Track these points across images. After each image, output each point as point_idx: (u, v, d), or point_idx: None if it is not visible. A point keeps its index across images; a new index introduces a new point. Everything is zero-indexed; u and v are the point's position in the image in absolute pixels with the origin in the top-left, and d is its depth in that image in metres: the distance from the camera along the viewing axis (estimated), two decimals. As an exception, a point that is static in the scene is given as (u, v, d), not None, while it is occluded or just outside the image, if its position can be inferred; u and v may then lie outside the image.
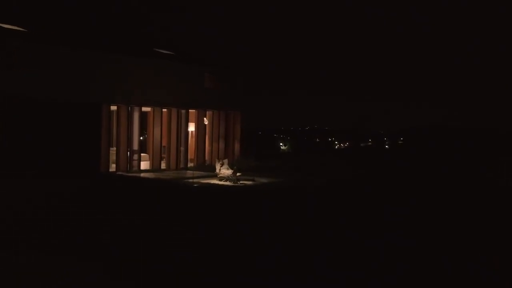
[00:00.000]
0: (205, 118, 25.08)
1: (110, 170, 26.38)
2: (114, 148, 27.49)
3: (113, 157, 27.14)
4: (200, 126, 29.99)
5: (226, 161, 24.53)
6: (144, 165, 29.21)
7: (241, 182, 23.39)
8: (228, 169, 23.94)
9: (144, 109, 28.62)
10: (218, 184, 22.53)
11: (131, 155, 27.50)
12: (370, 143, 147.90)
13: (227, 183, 23.29)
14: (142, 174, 26.17)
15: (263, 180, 24.47)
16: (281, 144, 76.56)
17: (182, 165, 29.42)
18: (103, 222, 13.97)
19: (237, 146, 32.40)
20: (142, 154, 30.96)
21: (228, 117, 31.82)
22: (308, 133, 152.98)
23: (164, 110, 28.78)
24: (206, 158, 30.91)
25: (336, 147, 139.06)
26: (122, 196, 18.76)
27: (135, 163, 27.66)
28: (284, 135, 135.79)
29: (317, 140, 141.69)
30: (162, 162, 29.14)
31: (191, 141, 30.86)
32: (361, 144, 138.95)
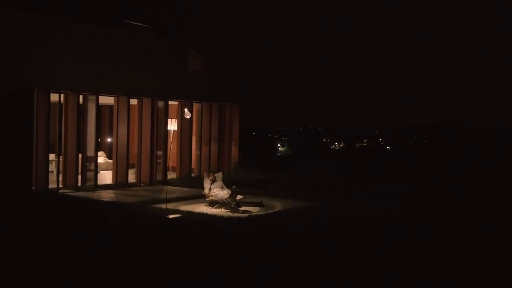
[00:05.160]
0: (186, 110, 16.06)
1: (51, 186, 17.25)
2: (60, 155, 18.51)
3: (59, 167, 18.13)
4: (184, 124, 20.95)
5: (219, 175, 15.47)
6: (105, 177, 20.17)
7: (243, 209, 14.40)
8: (223, 188, 14.90)
9: (105, 99, 19.58)
10: (207, 215, 13.42)
11: (85, 164, 18.45)
12: (365, 144, 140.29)
13: (222, 211, 14.29)
14: (96, 193, 17.05)
15: (277, 204, 15.44)
16: (278, 145, 67.65)
17: (159, 177, 20.36)
18: None
19: (234, 151, 23.24)
20: (101, 161, 21.92)
21: (223, 112, 22.74)
22: (303, 134, 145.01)
23: (133, 101, 19.72)
24: (193, 166, 21.84)
25: (332, 147, 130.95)
26: None
27: (91, 175, 18.58)
28: (278, 135, 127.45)
29: (313, 141, 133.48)
30: (132, 172, 20.11)
31: (173, 143, 21.81)
32: (357, 145, 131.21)
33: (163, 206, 14.26)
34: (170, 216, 13.09)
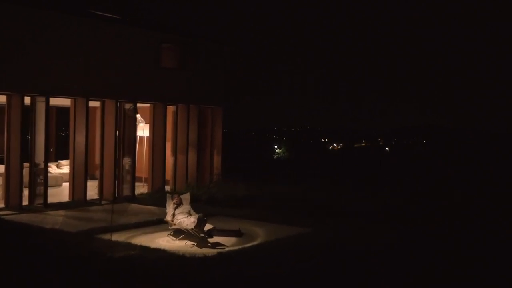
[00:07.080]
0: (139, 116, 12.68)
1: (-13, 207, 13.94)
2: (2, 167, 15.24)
3: None
4: (157, 129, 17.60)
5: (186, 196, 12.09)
6: (59, 194, 16.86)
7: (214, 241, 11.08)
8: (190, 213, 11.55)
9: (61, 101, 16.29)
10: (164, 253, 10.09)
11: (34, 177, 15.12)
12: (363, 144, 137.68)
13: (187, 244, 10.96)
14: (42, 216, 13.67)
15: (259, 232, 12.12)
16: (275, 147, 64.33)
17: (127, 192, 17.00)
18: None
19: (217, 161, 19.86)
20: (66, 172, 18.75)
21: (203, 115, 19.40)
22: (301, 134, 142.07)
23: (94, 102, 16.39)
24: (168, 178, 18.50)
25: (331, 147, 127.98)
26: None
27: (41, 190, 15.23)
28: (277, 136, 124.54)
29: (311, 141, 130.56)
30: (93, 187, 16.80)
31: (146, 151, 18.52)
32: (355, 145, 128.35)
33: (107, 237, 10.88)
34: (115, 256, 9.75)
